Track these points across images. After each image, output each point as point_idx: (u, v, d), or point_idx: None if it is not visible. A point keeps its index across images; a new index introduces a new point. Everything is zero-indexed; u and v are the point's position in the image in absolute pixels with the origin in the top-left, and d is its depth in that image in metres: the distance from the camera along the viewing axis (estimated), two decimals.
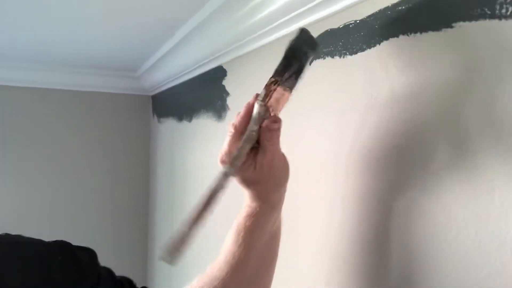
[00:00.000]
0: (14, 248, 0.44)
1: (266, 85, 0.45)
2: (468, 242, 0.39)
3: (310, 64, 0.46)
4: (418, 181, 0.45)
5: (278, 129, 0.46)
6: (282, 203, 0.51)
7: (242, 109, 0.46)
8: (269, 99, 0.45)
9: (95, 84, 1.63)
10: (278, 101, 0.45)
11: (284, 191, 0.50)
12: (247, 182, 0.48)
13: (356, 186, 0.54)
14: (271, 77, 0.45)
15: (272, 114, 0.45)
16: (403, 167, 0.47)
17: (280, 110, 0.47)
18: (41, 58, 1.40)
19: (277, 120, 0.45)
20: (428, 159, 0.44)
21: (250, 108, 0.46)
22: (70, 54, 1.34)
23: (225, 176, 0.45)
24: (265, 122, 0.45)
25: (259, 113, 0.45)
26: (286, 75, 0.45)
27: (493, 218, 0.37)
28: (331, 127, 0.60)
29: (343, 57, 0.57)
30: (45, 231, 1.54)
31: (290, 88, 0.46)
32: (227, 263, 0.47)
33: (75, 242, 0.49)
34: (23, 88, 1.53)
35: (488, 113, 0.38)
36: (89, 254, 0.50)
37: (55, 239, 0.49)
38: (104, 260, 0.51)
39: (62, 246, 0.48)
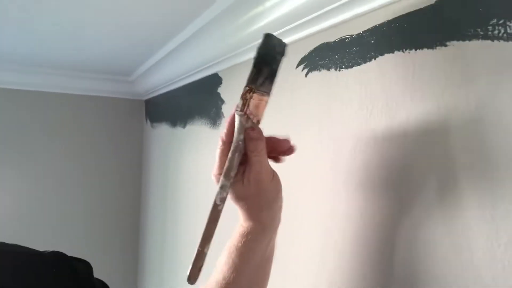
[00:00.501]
0: (9, 258, 0.44)
1: (242, 94, 0.46)
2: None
3: (280, 65, 0.48)
4: (424, 200, 0.46)
5: (259, 138, 0.46)
6: (276, 226, 0.50)
7: (257, 136, 0.46)
8: (247, 107, 0.46)
9: (88, 88, 1.63)
10: (257, 107, 0.47)
11: (277, 211, 0.49)
12: (237, 198, 0.47)
13: (355, 202, 0.55)
14: (245, 86, 0.47)
15: (254, 121, 0.46)
16: (403, 183, 0.48)
17: (261, 115, 0.47)
18: (34, 61, 1.39)
19: (254, 127, 0.46)
20: (421, 183, 0.45)
21: (232, 119, 0.47)
22: (63, 58, 1.33)
23: (223, 189, 0.46)
24: (245, 132, 0.46)
25: (240, 122, 0.46)
26: (260, 81, 0.47)
27: (484, 232, 0.39)
28: (327, 139, 0.61)
29: (339, 70, 0.58)
30: (36, 235, 1.53)
31: (267, 92, 0.47)
32: (218, 284, 0.48)
33: (67, 245, 0.50)
34: (14, 91, 1.52)
35: (475, 136, 0.39)
36: (84, 266, 0.50)
37: (46, 243, 0.49)
38: (94, 265, 0.51)
39: (57, 257, 0.48)
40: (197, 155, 1.14)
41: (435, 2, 0.44)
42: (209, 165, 1.06)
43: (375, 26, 0.52)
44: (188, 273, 0.45)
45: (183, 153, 1.26)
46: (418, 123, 0.46)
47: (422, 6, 0.46)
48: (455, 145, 0.42)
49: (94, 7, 0.84)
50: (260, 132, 0.47)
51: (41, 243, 1.52)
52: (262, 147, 0.46)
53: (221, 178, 0.46)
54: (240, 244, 0.47)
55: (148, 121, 1.69)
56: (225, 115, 0.98)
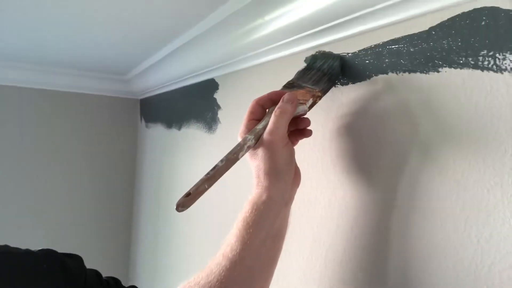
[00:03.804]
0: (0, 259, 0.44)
1: (314, 95, 0.53)
2: (447, 273, 0.42)
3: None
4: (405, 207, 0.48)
5: (289, 101, 0.50)
6: (286, 201, 0.50)
7: (292, 99, 0.51)
8: (311, 106, 0.53)
9: (82, 85, 1.62)
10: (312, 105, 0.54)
11: (287, 184, 0.49)
12: (251, 156, 0.50)
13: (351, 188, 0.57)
14: (317, 91, 0.54)
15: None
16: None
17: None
18: (29, 58, 1.39)
19: (294, 99, 0.50)
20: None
21: (280, 94, 0.52)
22: (58, 55, 1.33)
23: (244, 142, 0.49)
24: (288, 96, 0.51)
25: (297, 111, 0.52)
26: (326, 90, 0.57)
27: (469, 253, 0.40)
28: (316, 151, 0.62)
29: (334, 87, 0.60)
30: (28, 232, 1.53)
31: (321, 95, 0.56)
32: (224, 257, 0.47)
33: (59, 243, 0.50)
34: (9, 87, 1.51)
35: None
36: (75, 260, 0.51)
37: (36, 243, 0.49)
38: (87, 262, 0.52)
39: (48, 255, 0.48)
40: (191, 158, 1.15)
41: (429, 28, 0.46)
42: (203, 168, 1.07)
43: (370, 46, 0.54)
44: (178, 201, 0.45)
45: (178, 155, 1.26)
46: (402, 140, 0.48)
47: (416, 31, 0.47)
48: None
49: (95, 8, 0.85)
50: (294, 96, 0.50)
51: (35, 237, 1.52)
52: (287, 111, 0.49)
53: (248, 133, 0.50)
54: (247, 215, 0.47)
55: (143, 120, 1.70)
56: (221, 120, 0.99)
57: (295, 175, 0.52)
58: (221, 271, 0.45)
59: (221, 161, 0.48)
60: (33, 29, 1.01)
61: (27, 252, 0.47)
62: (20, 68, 1.47)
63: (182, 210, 0.44)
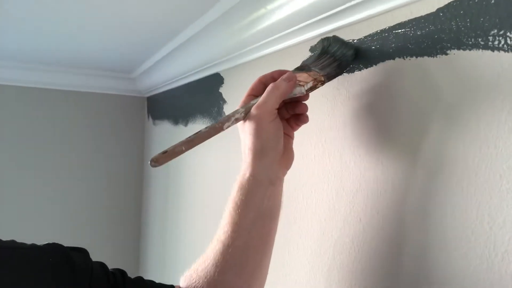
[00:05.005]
0: (5, 253, 0.44)
1: (316, 79, 0.52)
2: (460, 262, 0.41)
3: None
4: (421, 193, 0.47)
5: (287, 79, 0.49)
6: (273, 179, 0.49)
7: (290, 77, 0.50)
8: (309, 90, 0.52)
9: (89, 84, 1.63)
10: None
11: (273, 161, 0.49)
12: (240, 129, 0.50)
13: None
14: (322, 75, 0.52)
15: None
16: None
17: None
18: (36, 58, 1.40)
19: (292, 79, 0.50)
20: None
21: (280, 73, 0.52)
22: (65, 54, 1.34)
23: (232, 114, 0.49)
24: (287, 74, 0.50)
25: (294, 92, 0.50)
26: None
27: (482, 241, 0.39)
28: (323, 141, 0.61)
29: (341, 75, 0.59)
30: (37, 230, 1.55)
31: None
32: (218, 241, 0.47)
33: (67, 241, 0.50)
34: (15, 87, 1.53)
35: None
36: (81, 253, 0.51)
37: (47, 239, 0.49)
38: (97, 256, 0.52)
39: (54, 249, 0.48)
40: (198, 153, 1.15)
41: (436, 10, 0.44)
42: (209, 163, 1.07)
43: (377, 31, 0.52)
44: (153, 156, 0.45)
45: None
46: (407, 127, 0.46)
47: (423, 13, 0.46)
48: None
49: (100, 5, 0.84)
50: (292, 76, 0.50)
51: (43, 234, 1.53)
52: (280, 87, 0.48)
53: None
54: (235, 195, 0.47)
55: (150, 118, 1.70)
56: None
57: (285, 156, 0.51)
58: (215, 255, 0.46)
59: (206, 127, 0.47)
60: (39, 29, 1.01)
61: (33, 246, 0.47)
62: (27, 69, 1.48)
63: (155, 166, 0.44)
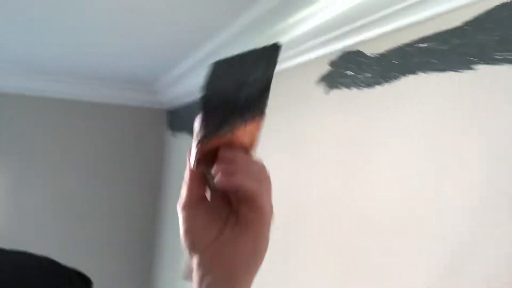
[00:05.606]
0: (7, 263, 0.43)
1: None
2: None
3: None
4: None
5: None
6: None
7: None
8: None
9: (110, 96, 1.66)
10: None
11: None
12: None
13: None
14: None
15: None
16: None
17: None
18: (57, 69, 1.43)
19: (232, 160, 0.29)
20: None
21: None
22: (88, 66, 1.37)
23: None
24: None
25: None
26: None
27: None
28: (343, 154, 0.59)
29: (360, 89, 0.57)
30: (54, 241, 1.56)
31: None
32: None
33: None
34: (33, 98, 1.56)
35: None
36: (84, 283, 0.48)
37: (60, 251, 0.47)
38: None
39: (54, 268, 0.46)
40: None
41: (462, 23, 0.43)
42: None
43: (398, 46, 0.51)
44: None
45: None
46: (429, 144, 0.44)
47: (448, 27, 0.44)
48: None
49: (124, 15, 0.86)
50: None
51: (59, 245, 1.54)
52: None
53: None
54: None
55: (170, 130, 1.71)
56: None
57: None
58: None
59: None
60: (55, 39, 1.03)
61: (34, 264, 0.45)
62: (44, 80, 1.52)
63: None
